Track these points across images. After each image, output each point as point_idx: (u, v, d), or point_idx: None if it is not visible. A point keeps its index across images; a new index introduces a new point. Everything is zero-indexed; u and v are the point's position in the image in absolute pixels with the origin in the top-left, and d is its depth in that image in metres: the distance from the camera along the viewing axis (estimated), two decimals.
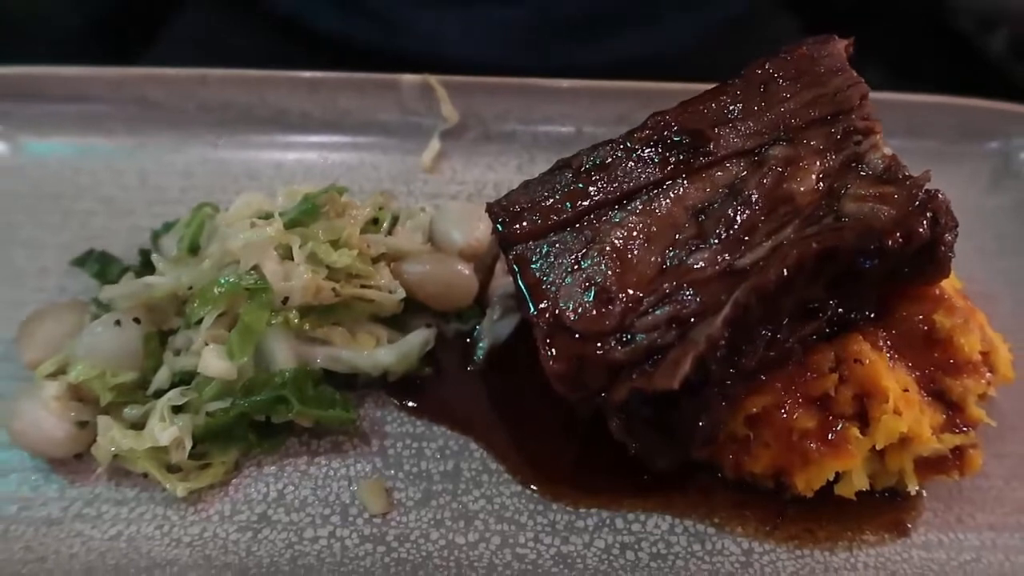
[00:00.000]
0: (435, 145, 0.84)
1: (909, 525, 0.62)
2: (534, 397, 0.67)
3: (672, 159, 0.60)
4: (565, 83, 0.84)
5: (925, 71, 1.28)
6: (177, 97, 0.83)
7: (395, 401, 0.67)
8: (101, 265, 0.73)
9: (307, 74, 0.84)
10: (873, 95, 0.68)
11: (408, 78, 0.84)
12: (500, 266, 0.74)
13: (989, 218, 0.83)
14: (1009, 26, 1.34)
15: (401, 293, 0.67)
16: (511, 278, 0.72)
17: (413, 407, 0.67)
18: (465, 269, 0.70)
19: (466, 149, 0.85)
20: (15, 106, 0.82)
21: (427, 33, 1.04)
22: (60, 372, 0.62)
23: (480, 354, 0.70)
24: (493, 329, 0.71)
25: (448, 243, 0.71)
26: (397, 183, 0.81)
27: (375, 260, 0.68)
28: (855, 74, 0.61)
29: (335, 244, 0.66)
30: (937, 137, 0.85)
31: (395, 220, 0.73)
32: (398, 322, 0.69)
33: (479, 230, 0.72)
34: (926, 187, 0.57)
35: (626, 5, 1.09)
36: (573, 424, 0.65)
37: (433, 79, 0.84)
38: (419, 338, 0.67)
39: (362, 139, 0.84)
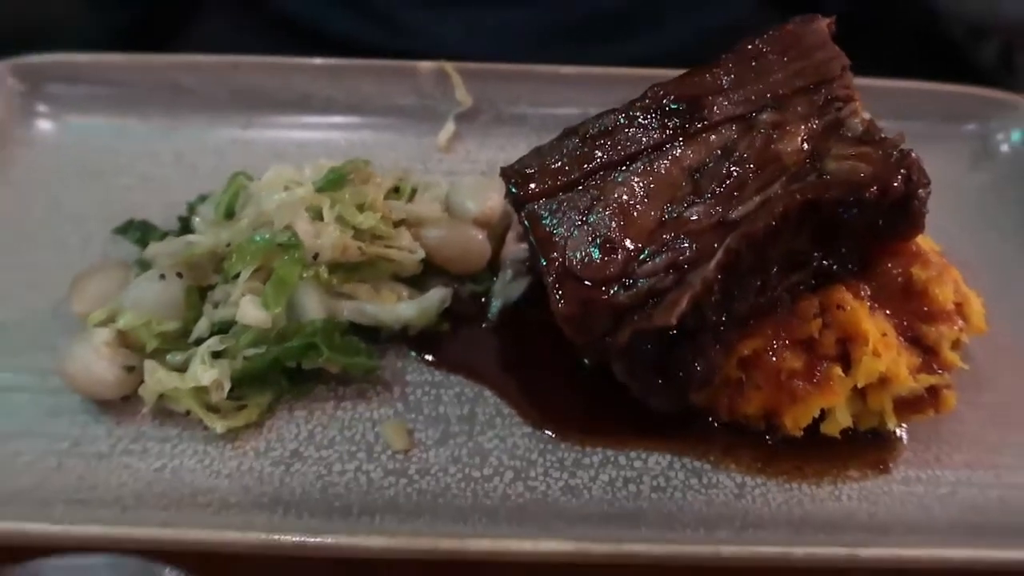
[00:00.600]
0: (450, 127, 0.90)
1: (890, 463, 0.67)
2: (543, 350, 0.72)
3: (670, 124, 0.66)
4: (572, 70, 0.90)
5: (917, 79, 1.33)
6: (209, 82, 0.89)
7: (415, 353, 0.72)
8: (142, 232, 0.78)
9: (332, 61, 0.90)
10: (862, 81, 0.74)
11: (425, 65, 0.90)
12: (511, 234, 0.80)
13: (970, 195, 0.88)
14: (999, 36, 1.39)
15: (421, 254, 0.72)
16: (521, 245, 0.80)
17: (431, 358, 0.72)
18: (479, 235, 0.76)
19: (479, 131, 0.90)
20: (61, 89, 0.88)
21: (432, 35, 1.09)
22: (109, 321, 0.67)
23: (493, 312, 0.76)
24: (505, 290, 0.76)
25: (463, 212, 0.77)
26: (414, 161, 0.86)
27: (396, 224, 0.74)
28: (837, 48, 0.67)
29: (360, 208, 0.71)
30: (921, 120, 0.90)
31: (414, 191, 0.79)
32: (417, 283, 0.74)
33: (492, 200, 0.77)
34: (901, 147, 0.62)
35: (629, 7, 1.14)
36: (580, 373, 0.71)
37: (449, 66, 0.90)
38: (437, 296, 0.72)
39: (381, 121, 0.89)
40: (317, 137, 0.88)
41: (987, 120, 0.90)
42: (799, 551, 0.56)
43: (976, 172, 0.90)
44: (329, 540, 0.56)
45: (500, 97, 0.90)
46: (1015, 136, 0.89)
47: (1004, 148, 0.90)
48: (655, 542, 0.58)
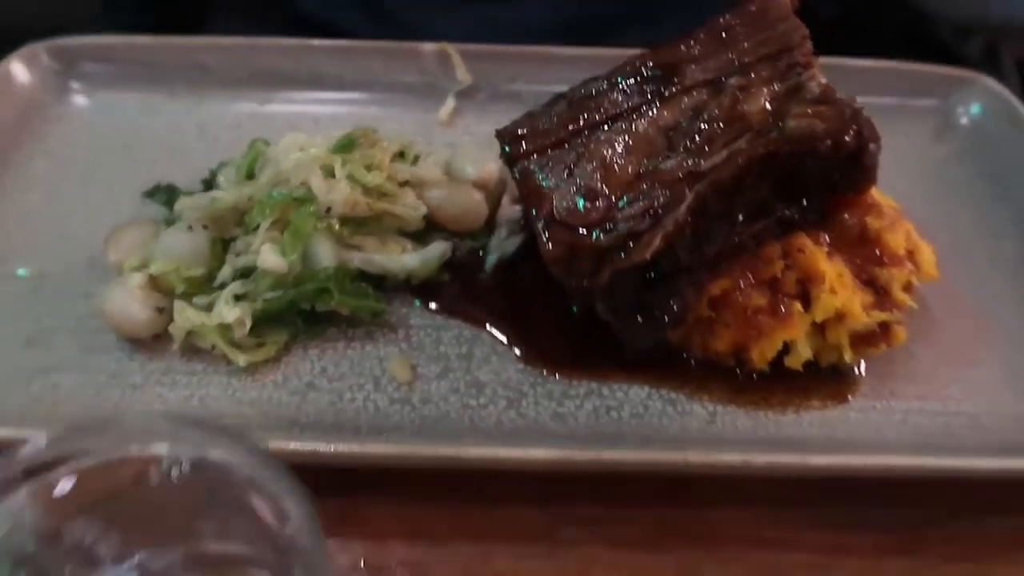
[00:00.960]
0: (451, 103, 0.97)
1: (848, 395, 0.74)
2: (535, 297, 0.79)
3: (648, 89, 0.73)
4: (564, 50, 0.98)
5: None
6: (229, 62, 0.97)
7: (417, 300, 0.79)
8: (168, 195, 0.85)
9: (342, 43, 0.97)
10: (830, 60, 0.81)
11: (428, 46, 0.97)
12: (507, 197, 0.87)
13: (934, 165, 0.95)
14: (984, 35, 1.45)
15: (424, 210, 0.80)
16: (515, 206, 0.87)
17: (432, 305, 0.79)
18: (477, 196, 0.83)
19: (478, 107, 0.97)
20: (93, 68, 0.95)
21: (439, 32, 1.16)
22: (142, 267, 0.75)
23: (489, 265, 0.83)
24: (500, 246, 0.84)
25: (463, 175, 0.84)
26: (418, 134, 0.93)
27: (401, 185, 0.81)
28: (797, 20, 0.74)
29: (368, 168, 0.79)
30: (888, 96, 0.97)
31: (417, 157, 0.86)
32: (420, 238, 0.81)
33: (489, 165, 0.84)
34: (853, 106, 0.69)
35: (628, 6, 1.21)
36: (568, 317, 0.78)
37: (450, 47, 0.97)
38: (438, 249, 0.80)
39: (388, 97, 0.97)
40: (328, 111, 0.96)
41: (948, 96, 0.97)
42: (759, 459, 0.63)
43: (939, 144, 0.97)
44: (341, 448, 0.63)
45: (497, 76, 0.98)
46: (974, 110, 0.96)
47: (964, 121, 0.97)
48: (632, 451, 0.65)
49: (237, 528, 0.50)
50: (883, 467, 0.64)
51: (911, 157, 0.96)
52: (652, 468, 0.64)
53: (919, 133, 0.97)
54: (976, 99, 0.96)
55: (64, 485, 0.44)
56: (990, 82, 0.96)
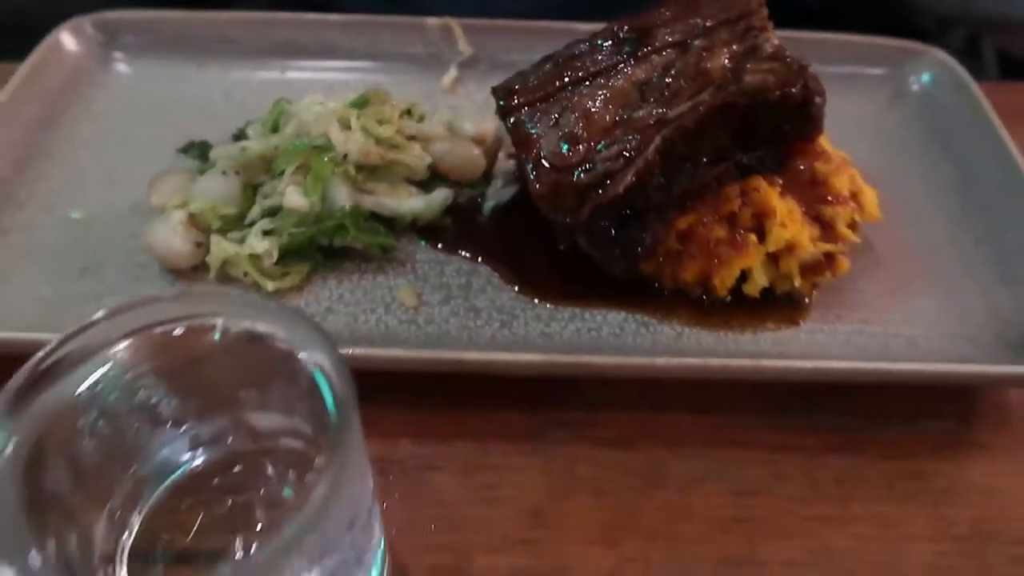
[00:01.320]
0: (453, 72, 1.08)
1: (800, 320, 0.84)
2: (527, 238, 0.89)
3: (623, 50, 0.84)
4: (558, 24, 1.08)
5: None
6: (253, 35, 1.07)
7: (423, 240, 0.90)
8: (201, 150, 0.96)
9: (354, 17, 1.08)
10: (794, 33, 0.92)
11: (432, 20, 1.08)
12: (502, 152, 0.98)
13: (888, 129, 1.05)
14: (966, 27, 1.54)
15: (428, 160, 0.90)
16: (510, 161, 0.97)
17: (436, 243, 0.90)
18: (476, 150, 0.94)
19: (478, 76, 1.08)
20: (133, 39, 1.06)
21: (442, 11, 1.25)
22: (182, 206, 0.85)
23: (486, 210, 0.93)
24: (496, 194, 0.94)
25: (463, 132, 0.94)
26: (423, 100, 1.03)
27: (409, 138, 0.92)
28: None
29: (380, 122, 0.89)
30: (846, 66, 1.07)
31: (422, 116, 0.96)
32: (425, 186, 0.92)
33: (487, 124, 0.95)
34: (801, 63, 0.80)
35: None
36: (555, 254, 0.88)
37: (452, 21, 1.08)
38: (441, 195, 0.90)
39: (395, 66, 1.07)
40: (341, 79, 1.06)
41: (900, 66, 1.07)
42: (715, 362, 0.74)
43: (893, 110, 1.07)
44: (357, 352, 0.73)
45: (496, 48, 1.08)
46: (924, 78, 1.07)
47: (915, 88, 1.07)
48: (607, 356, 0.75)
49: (277, 399, 0.60)
50: (825, 370, 0.74)
51: (867, 121, 1.06)
52: (625, 372, 0.74)
53: (875, 99, 1.07)
54: (926, 69, 1.06)
55: (140, 348, 0.54)
56: (939, 53, 1.06)
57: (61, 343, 0.50)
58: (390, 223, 0.88)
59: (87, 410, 0.53)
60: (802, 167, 0.84)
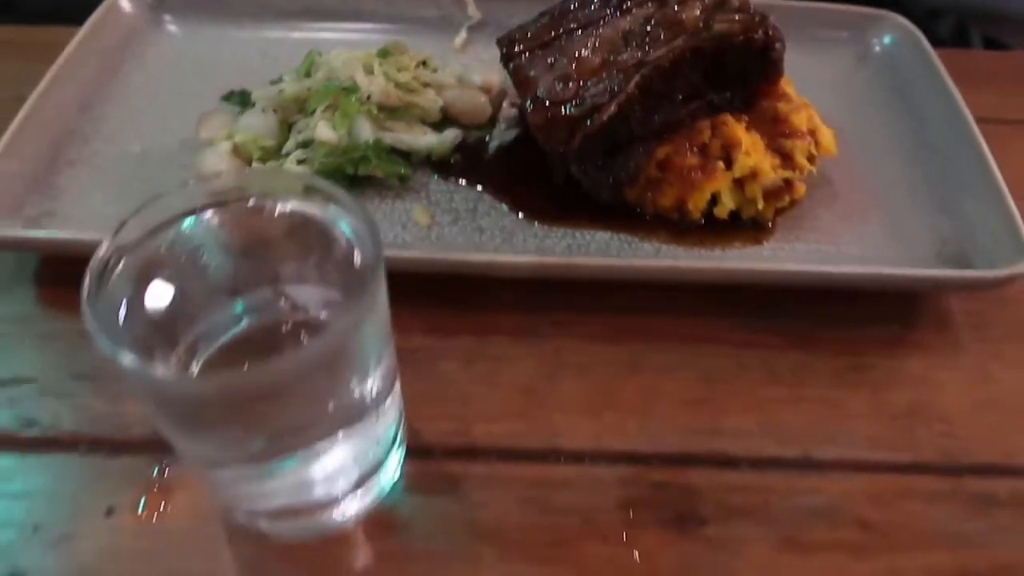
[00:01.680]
0: (463, 34, 1.20)
1: (763, 241, 0.95)
2: (526, 171, 1.02)
3: (610, 4, 0.96)
4: None
5: None
6: (286, 0, 1.21)
7: (435, 173, 1.03)
8: (241, 98, 1.09)
9: None
10: (768, 1, 1.04)
11: None
12: (506, 102, 1.10)
13: (855, 86, 1.17)
14: (954, 16, 1.65)
15: (441, 103, 1.03)
16: (513, 109, 1.10)
17: (447, 176, 1.02)
18: (483, 97, 1.07)
19: (485, 37, 1.20)
20: (182, 3, 1.20)
21: None
22: (228, 138, 0.98)
23: (492, 149, 1.06)
24: (500, 136, 1.07)
25: (472, 82, 1.07)
26: (436, 58, 1.17)
27: (424, 85, 1.05)
28: None
29: (399, 69, 1.02)
30: (815, 31, 1.20)
31: (436, 68, 1.09)
32: (437, 127, 1.05)
33: (493, 75, 1.08)
34: (763, 14, 0.92)
35: None
36: (551, 185, 1.01)
37: None
38: (452, 133, 1.03)
39: (411, 28, 1.19)
40: (364, 39, 1.18)
41: (864, 30, 1.20)
42: (686, 263, 0.86)
43: (859, 70, 1.19)
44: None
45: (501, 12, 1.20)
46: (886, 40, 1.19)
47: (877, 49, 1.19)
48: (594, 257, 0.88)
49: (315, 271, 0.71)
50: (783, 272, 0.86)
51: (835, 80, 1.18)
52: (609, 272, 0.86)
53: (841, 60, 1.19)
54: (888, 32, 1.19)
55: (207, 220, 0.66)
56: (899, 18, 1.18)
57: (143, 208, 0.62)
58: (407, 157, 1.01)
59: (164, 266, 0.65)
60: (766, 106, 0.96)
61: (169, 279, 0.64)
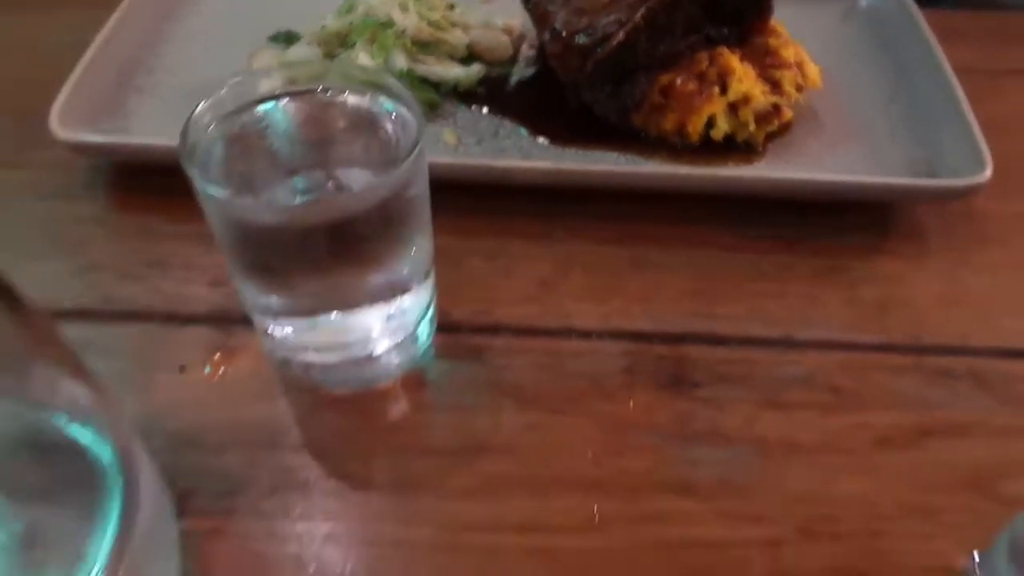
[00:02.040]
0: None
1: (755, 161, 1.08)
2: (543, 100, 1.14)
3: None
4: None
5: None
6: None
7: (461, 103, 1.15)
8: (287, 37, 1.21)
9: None
10: None
11: None
12: (525, 44, 1.22)
13: (842, 39, 1.29)
14: (948, 5, 1.75)
15: (467, 40, 1.15)
16: (531, 50, 1.22)
17: (471, 104, 1.14)
18: (504, 37, 1.19)
19: None
20: None
21: None
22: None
23: (512, 83, 1.18)
24: (520, 71, 1.18)
25: (494, 23, 1.19)
26: (461, 6, 1.29)
27: (452, 25, 1.17)
28: None
29: (431, 9, 1.15)
30: None
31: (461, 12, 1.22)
32: (464, 63, 1.17)
33: (514, 20, 1.20)
34: None
35: None
36: (566, 113, 1.12)
37: None
38: (477, 67, 1.14)
39: None
40: None
41: None
42: (684, 170, 0.98)
43: (846, 24, 1.31)
44: None
45: None
46: None
47: (863, 4, 1.31)
48: (605, 165, 0.99)
49: (362, 155, 0.82)
50: (770, 179, 0.98)
51: (825, 34, 1.29)
52: (617, 179, 0.98)
53: (830, 16, 1.31)
54: None
55: (274, 105, 0.78)
56: None
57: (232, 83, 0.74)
58: (436, 87, 1.13)
59: (237, 140, 0.76)
60: (758, 42, 1.07)
61: (242, 151, 0.76)
